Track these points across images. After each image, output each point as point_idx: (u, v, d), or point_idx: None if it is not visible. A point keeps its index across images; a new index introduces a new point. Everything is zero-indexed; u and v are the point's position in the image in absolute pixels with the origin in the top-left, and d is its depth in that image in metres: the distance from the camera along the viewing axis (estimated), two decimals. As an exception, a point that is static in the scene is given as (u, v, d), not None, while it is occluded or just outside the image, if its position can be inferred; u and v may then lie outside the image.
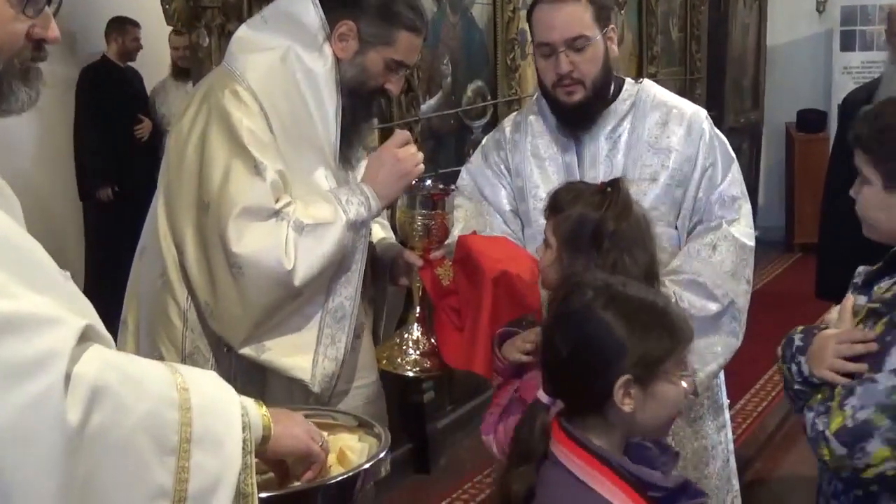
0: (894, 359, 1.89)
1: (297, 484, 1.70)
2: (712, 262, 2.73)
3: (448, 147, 4.94)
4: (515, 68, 5.33)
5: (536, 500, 1.74)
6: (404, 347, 2.60)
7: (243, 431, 1.51)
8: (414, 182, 2.57)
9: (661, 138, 2.81)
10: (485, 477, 4.39)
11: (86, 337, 1.41)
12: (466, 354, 2.49)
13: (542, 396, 1.82)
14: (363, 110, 2.54)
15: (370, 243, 2.65)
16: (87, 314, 1.47)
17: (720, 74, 8.15)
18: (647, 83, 2.95)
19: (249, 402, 1.59)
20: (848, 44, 8.54)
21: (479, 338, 2.45)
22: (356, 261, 2.44)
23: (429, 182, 2.64)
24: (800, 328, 2.15)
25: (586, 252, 2.27)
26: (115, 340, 1.98)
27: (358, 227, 2.42)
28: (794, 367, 2.07)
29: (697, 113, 2.87)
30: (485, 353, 2.45)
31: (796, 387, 2.07)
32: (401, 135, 2.55)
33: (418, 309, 2.62)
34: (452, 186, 2.67)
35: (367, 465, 1.73)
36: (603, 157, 2.81)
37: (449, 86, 4.95)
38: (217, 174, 2.32)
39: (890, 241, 2.07)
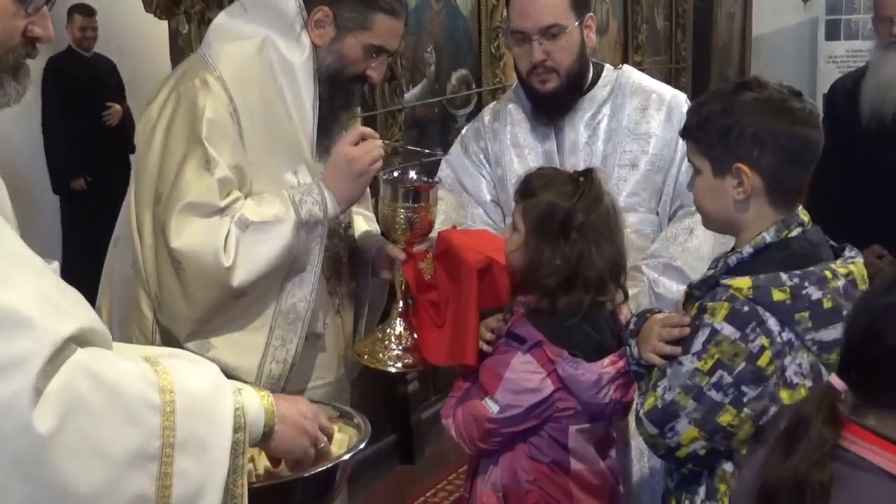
0: (699, 342, 1.94)
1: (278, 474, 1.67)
2: (689, 247, 2.71)
3: (432, 136, 4.92)
4: (500, 56, 5.31)
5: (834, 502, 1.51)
6: (386, 343, 2.56)
7: (235, 433, 1.48)
8: (397, 174, 2.54)
9: (641, 124, 2.80)
10: (469, 467, 4.38)
11: (74, 341, 1.37)
12: (451, 349, 2.46)
13: (837, 383, 1.56)
14: (342, 99, 2.49)
15: (351, 236, 2.62)
16: (78, 309, 1.44)
17: (705, 63, 8.14)
18: (627, 69, 2.93)
19: (251, 399, 1.56)
20: (833, 33, 8.54)
21: (469, 330, 2.42)
22: (311, 262, 2.38)
23: (412, 174, 2.61)
24: (639, 312, 2.21)
25: (553, 240, 2.28)
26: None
27: (311, 226, 2.36)
28: (628, 350, 2.14)
29: (677, 97, 2.86)
30: (476, 345, 2.42)
31: (633, 368, 2.14)
32: (354, 132, 2.49)
33: (401, 303, 2.58)
34: (436, 179, 2.63)
35: (346, 457, 1.72)
36: (583, 145, 2.80)
37: (433, 74, 4.93)
38: (173, 165, 2.28)
39: (724, 230, 2.11)
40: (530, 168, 2.76)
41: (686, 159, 2.73)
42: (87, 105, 6.45)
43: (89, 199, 6.36)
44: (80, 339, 1.39)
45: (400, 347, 2.55)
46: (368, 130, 2.51)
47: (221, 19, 2.47)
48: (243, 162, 2.31)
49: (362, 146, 2.43)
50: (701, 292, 2.02)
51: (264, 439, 1.59)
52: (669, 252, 2.72)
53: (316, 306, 2.44)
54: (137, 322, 2.41)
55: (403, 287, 2.56)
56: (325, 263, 2.49)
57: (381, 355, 2.56)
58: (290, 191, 2.37)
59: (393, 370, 2.59)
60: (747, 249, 1.99)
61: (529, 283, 2.34)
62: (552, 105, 2.79)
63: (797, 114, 1.98)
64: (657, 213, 2.83)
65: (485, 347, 2.39)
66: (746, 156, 1.96)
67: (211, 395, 1.50)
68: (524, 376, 2.27)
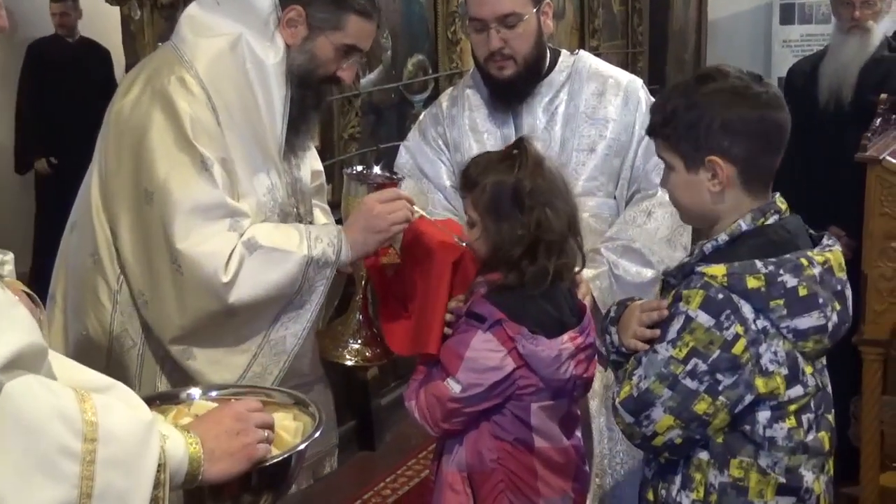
0: (673, 330, 1.94)
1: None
2: (647, 229, 2.74)
3: (389, 122, 4.90)
4: (457, 42, 5.30)
5: None
6: (345, 336, 2.56)
7: (155, 489, 1.46)
8: (361, 168, 2.53)
9: (599, 109, 2.82)
10: (429, 452, 4.36)
11: (11, 366, 1.35)
12: (415, 338, 2.46)
13: None
14: (312, 99, 2.48)
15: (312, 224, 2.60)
16: (15, 325, 1.41)
17: (662, 48, 8.17)
18: (583, 54, 2.95)
19: (176, 447, 1.53)
20: (787, 17, 8.60)
21: (436, 320, 2.42)
22: (312, 301, 2.37)
23: (377, 169, 2.59)
24: (618, 300, 2.21)
25: (510, 216, 2.29)
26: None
27: (320, 266, 2.35)
28: (608, 339, 2.13)
29: (633, 82, 2.89)
30: (440, 335, 2.43)
31: (612, 357, 2.13)
32: (388, 192, 2.45)
33: (360, 297, 2.57)
34: (399, 175, 2.62)
35: (301, 447, 1.71)
36: (541, 129, 2.82)
37: (389, 60, 4.91)
38: (162, 165, 2.25)
39: (702, 223, 2.11)
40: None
41: (640, 141, 2.78)
42: (66, 90, 6.41)
43: (59, 180, 6.29)
44: (16, 363, 1.36)
45: (359, 341, 2.56)
46: (405, 194, 2.47)
47: (193, 10, 2.44)
48: (228, 159, 2.30)
49: (386, 206, 2.38)
50: (676, 280, 2.02)
51: (189, 482, 1.56)
52: (628, 234, 2.75)
53: None
54: (95, 311, 2.39)
55: (364, 281, 2.55)
56: None
57: (339, 349, 2.56)
58: (309, 227, 2.37)
59: (350, 363, 2.58)
60: (723, 237, 1.99)
61: (494, 263, 2.34)
62: (509, 91, 2.80)
63: (762, 98, 1.98)
64: (615, 198, 2.85)
65: (445, 330, 2.40)
66: (717, 147, 1.96)
67: (136, 444, 1.46)
68: (485, 355, 2.28)
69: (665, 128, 2.03)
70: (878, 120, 4.34)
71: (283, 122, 2.40)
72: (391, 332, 2.51)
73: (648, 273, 2.72)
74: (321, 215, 2.72)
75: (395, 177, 2.59)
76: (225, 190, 2.27)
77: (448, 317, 2.40)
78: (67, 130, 6.34)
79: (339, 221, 2.60)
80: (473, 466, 2.36)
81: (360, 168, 2.60)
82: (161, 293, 2.27)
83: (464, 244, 2.41)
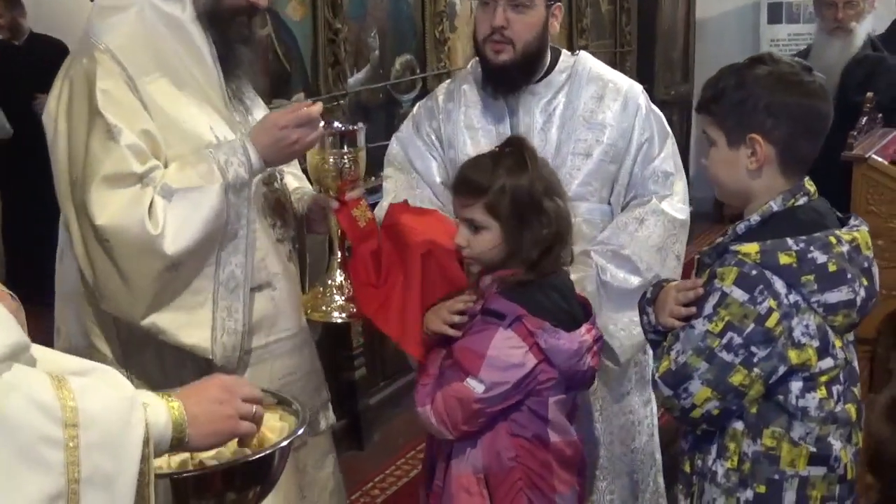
0: (709, 306, 2.03)
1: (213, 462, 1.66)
2: (638, 236, 2.73)
3: (377, 121, 4.90)
4: (445, 41, 5.30)
5: None
6: (328, 294, 2.55)
7: (142, 462, 1.45)
8: (322, 124, 2.49)
9: (597, 113, 2.80)
10: (418, 452, 4.38)
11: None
12: (403, 330, 2.45)
13: None
14: (234, 34, 2.42)
15: (287, 193, 2.60)
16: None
17: (650, 47, 8.18)
18: (584, 55, 2.93)
19: (157, 414, 1.52)
20: (775, 16, 8.65)
21: (410, 317, 2.42)
22: (242, 226, 2.34)
23: (337, 123, 2.58)
24: (654, 282, 2.30)
25: (531, 218, 2.29)
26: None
27: (238, 189, 2.31)
28: (645, 318, 2.23)
29: (633, 88, 2.86)
30: (417, 333, 2.42)
31: (650, 336, 2.23)
32: (296, 106, 2.42)
33: (339, 254, 2.56)
34: (360, 124, 2.59)
35: (284, 443, 1.71)
36: (538, 131, 2.79)
37: (377, 59, 4.91)
38: (80, 147, 2.24)
39: (736, 200, 2.18)
40: (483, 151, 2.76)
41: (639, 148, 2.78)
42: (24, 94, 6.07)
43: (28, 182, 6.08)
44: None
45: (342, 298, 2.54)
46: (315, 112, 2.41)
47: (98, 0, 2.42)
48: (151, 128, 2.27)
49: (294, 119, 2.36)
50: (711, 259, 2.10)
51: (176, 447, 1.56)
52: (619, 240, 2.74)
53: (263, 255, 2.43)
54: (92, 333, 2.39)
55: (340, 236, 2.54)
56: (268, 211, 2.48)
57: (324, 308, 2.55)
58: (214, 152, 2.31)
59: (338, 320, 2.58)
60: (755, 217, 2.08)
61: (509, 263, 2.34)
62: (501, 77, 2.77)
63: (808, 87, 2.08)
64: (609, 203, 2.83)
65: (450, 332, 2.37)
66: (760, 127, 2.05)
67: (119, 423, 1.45)
68: (507, 352, 2.27)
69: (713, 104, 2.11)
70: (864, 119, 4.36)
71: (216, 65, 2.38)
72: (359, 290, 2.50)
73: (635, 280, 2.71)
74: (293, 180, 2.69)
75: (356, 126, 2.56)
76: (138, 157, 2.23)
77: (457, 318, 2.37)
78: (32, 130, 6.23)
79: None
80: (490, 467, 2.34)
81: (321, 123, 2.57)
82: (104, 277, 2.24)
83: (465, 251, 2.38)
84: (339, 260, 2.56)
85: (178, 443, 1.56)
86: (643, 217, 2.75)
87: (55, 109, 2.32)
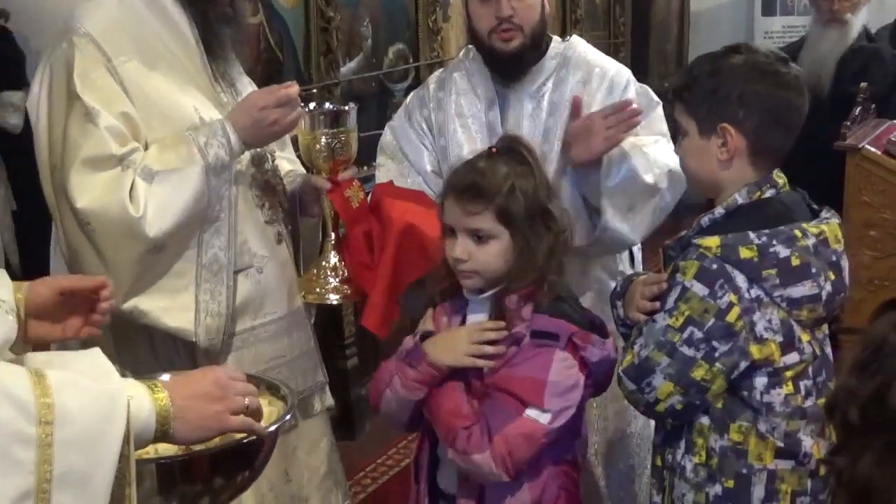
0: (671, 300, 2.01)
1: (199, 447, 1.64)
2: (655, 148, 2.71)
3: (370, 110, 4.87)
4: (437, 30, 5.29)
5: None
6: (323, 276, 2.54)
7: (120, 462, 1.40)
8: (313, 106, 2.49)
9: (583, 98, 2.77)
10: (409, 442, 4.37)
11: None
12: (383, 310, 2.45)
13: None
14: (215, 14, 2.41)
15: (278, 175, 2.58)
16: None
17: (644, 39, 8.19)
18: (575, 40, 2.91)
19: (141, 406, 1.47)
20: (769, 9, 8.65)
21: (375, 294, 2.41)
22: (223, 208, 2.32)
23: (328, 104, 2.57)
24: (624, 277, 2.30)
25: (539, 220, 2.14)
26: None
27: (219, 171, 2.29)
28: (615, 312, 2.21)
29: (620, 72, 2.85)
30: (380, 309, 2.40)
31: (621, 330, 2.21)
32: (273, 88, 2.38)
33: (333, 236, 2.55)
34: (351, 104, 2.59)
35: (271, 429, 1.70)
36: (527, 117, 2.78)
37: (369, 48, 4.89)
38: (59, 131, 2.23)
39: (707, 191, 2.14)
40: (473, 139, 2.75)
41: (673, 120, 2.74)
42: None
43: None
44: None
45: (337, 279, 2.54)
46: (293, 92, 2.37)
47: None
48: (131, 111, 2.25)
49: (273, 100, 2.33)
50: (675, 252, 2.08)
51: (160, 439, 1.52)
52: (642, 140, 2.71)
53: (250, 238, 2.41)
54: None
55: (333, 217, 2.53)
56: (257, 193, 2.47)
57: (319, 290, 2.54)
58: (194, 134, 2.29)
59: (334, 302, 2.59)
60: (719, 210, 2.06)
61: (520, 275, 2.13)
62: (514, 64, 2.76)
63: (782, 78, 2.04)
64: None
65: (482, 363, 2.13)
66: (731, 117, 2.01)
67: (98, 420, 1.39)
68: (565, 374, 2.10)
69: (686, 91, 2.08)
70: (858, 109, 4.36)
71: (199, 46, 2.37)
72: (355, 270, 2.50)
73: (648, 178, 2.64)
74: (286, 164, 2.67)
75: (347, 106, 2.56)
76: (117, 139, 2.21)
77: (490, 349, 2.13)
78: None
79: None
80: (539, 502, 2.15)
81: (311, 105, 2.56)
82: (86, 262, 2.23)
83: (465, 264, 2.17)
84: (332, 241, 2.55)
85: (162, 435, 1.52)
86: (657, 140, 2.75)
87: (37, 97, 2.31)
